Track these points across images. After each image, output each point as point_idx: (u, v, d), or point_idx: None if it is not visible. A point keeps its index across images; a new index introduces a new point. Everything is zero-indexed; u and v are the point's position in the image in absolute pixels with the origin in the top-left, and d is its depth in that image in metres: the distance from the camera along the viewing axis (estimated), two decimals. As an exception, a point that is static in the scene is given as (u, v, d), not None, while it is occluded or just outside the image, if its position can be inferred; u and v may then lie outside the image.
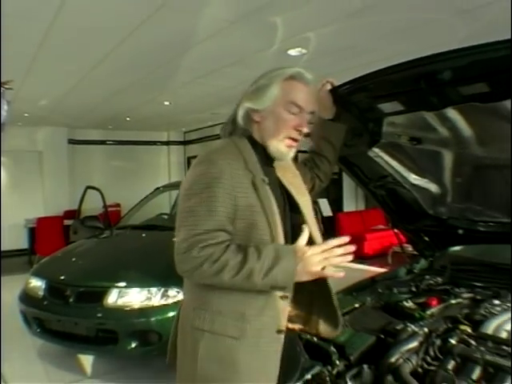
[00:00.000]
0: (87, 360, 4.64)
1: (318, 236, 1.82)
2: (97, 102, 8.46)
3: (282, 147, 1.76)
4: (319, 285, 1.81)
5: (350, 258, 1.62)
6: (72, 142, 12.26)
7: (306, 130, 1.76)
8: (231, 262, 1.56)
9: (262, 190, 1.68)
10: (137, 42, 4.88)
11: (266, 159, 1.80)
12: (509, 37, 1.58)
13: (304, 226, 1.68)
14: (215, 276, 1.58)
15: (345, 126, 2.21)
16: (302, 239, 1.64)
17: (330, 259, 1.60)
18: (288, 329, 1.90)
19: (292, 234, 1.77)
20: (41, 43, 4.81)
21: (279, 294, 1.68)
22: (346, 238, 1.61)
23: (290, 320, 1.91)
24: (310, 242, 1.72)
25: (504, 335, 1.96)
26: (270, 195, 1.70)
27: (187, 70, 6.12)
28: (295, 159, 2.09)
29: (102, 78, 6.43)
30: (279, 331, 1.70)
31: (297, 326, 1.98)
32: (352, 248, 1.61)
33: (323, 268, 1.63)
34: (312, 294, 1.87)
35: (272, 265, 1.56)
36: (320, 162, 2.21)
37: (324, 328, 1.95)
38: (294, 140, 1.77)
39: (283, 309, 1.71)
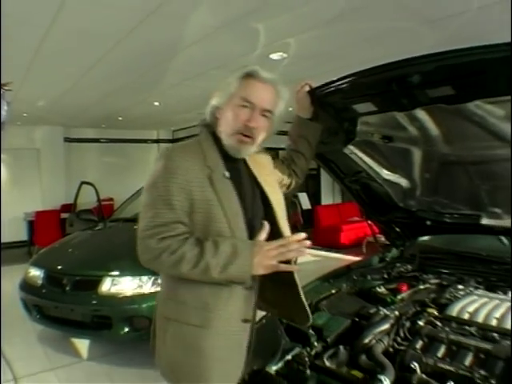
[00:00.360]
0: (84, 344, 4.63)
1: (287, 233, 1.79)
2: (91, 103, 8.37)
3: (233, 142, 1.70)
4: (287, 279, 1.79)
5: (306, 252, 1.63)
6: (68, 140, 12.14)
7: (254, 125, 1.68)
8: (188, 254, 1.55)
9: (220, 184, 1.65)
10: (129, 47, 4.84)
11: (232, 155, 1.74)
12: (469, 45, 1.59)
13: (265, 222, 1.66)
14: (174, 267, 1.57)
15: (321, 126, 2.20)
16: (262, 235, 1.63)
17: (285, 254, 1.60)
18: (267, 314, 1.92)
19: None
20: (38, 47, 4.75)
21: (243, 284, 1.65)
22: (303, 234, 1.61)
23: (270, 305, 1.93)
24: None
25: (466, 316, 1.99)
26: (230, 189, 1.67)
27: (175, 73, 6.09)
28: (276, 156, 2.07)
29: (96, 80, 6.36)
30: (245, 320, 1.68)
31: (275, 313, 1.99)
32: (308, 243, 1.61)
33: (290, 261, 1.65)
34: (286, 286, 1.83)
35: (228, 261, 1.54)
36: (297, 158, 2.17)
37: (296, 318, 1.93)
38: (246, 136, 1.70)
39: (249, 299, 1.69)
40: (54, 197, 11.19)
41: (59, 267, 4.62)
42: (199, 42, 4.73)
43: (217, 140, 1.74)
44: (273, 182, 1.90)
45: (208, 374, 1.64)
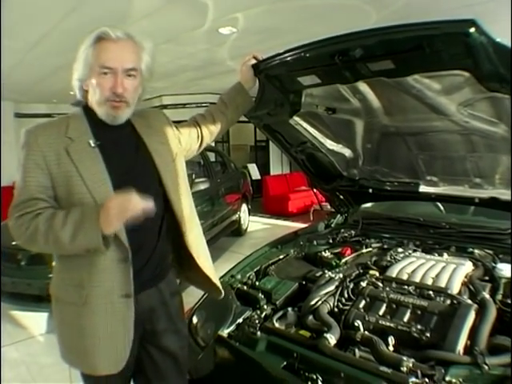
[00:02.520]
0: (43, 317, 4.48)
1: (179, 202, 1.68)
2: (40, 78, 8.02)
3: (106, 111, 1.55)
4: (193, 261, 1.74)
5: (151, 213, 1.43)
6: (18, 115, 11.60)
7: (121, 91, 1.51)
8: (41, 227, 1.44)
9: (80, 154, 1.50)
10: (77, 20, 4.64)
11: (109, 125, 1.58)
12: (409, 22, 1.60)
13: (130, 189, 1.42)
14: (33, 242, 1.48)
15: (253, 102, 2.13)
16: (116, 195, 1.44)
17: (127, 212, 1.39)
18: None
19: (163, 201, 1.65)
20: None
21: (117, 257, 1.52)
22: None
23: (189, 279, 1.88)
24: (173, 214, 1.66)
25: (405, 277, 2.05)
26: (93, 158, 1.52)
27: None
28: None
29: (45, 54, 6.12)
30: (126, 295, 1.54)
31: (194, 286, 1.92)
32: (151, 204, 1.42)
33: None
34: (196, 270, 1.77)
35: (76, 228, 1.42)
36: (219, 119, 2.02)
37: (210, 292, 1.90)
38: (116, 101, 1.53)
39: (126, 272, 1.54)
40: (7, 173, 10.69)
41: (14, 243, 4.43)
42: (149, 15, 4.60)
43: (89, 111, 1.59)
44: (166, 149, 1.73)
45: (92, 351, 1.54)
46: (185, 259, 1.76)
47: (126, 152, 1.63)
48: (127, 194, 1.39)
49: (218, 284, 1.84)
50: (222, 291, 1.86)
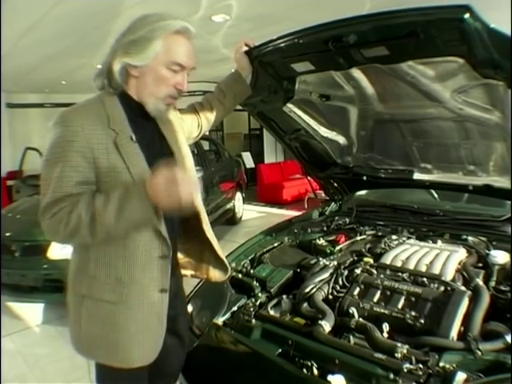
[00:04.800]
0: (38, 308, 4.51)
1: (197, 200, 1.66)
2: (31, 67, 7.95)
3: (161, 105, 1.52)
4: (203, 236, 1.73)
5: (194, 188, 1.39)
6: (10, 105, 11.52)
7: (185, 88, 1.52)
8: (84, 217, 1.34)
9: (127, 148, 1.44)
10: (68, 8, 4.58)
11: (141, 115, 1.54)
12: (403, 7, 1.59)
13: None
14: (74, 236, 1.39)
15: (251, 90, 2.10)
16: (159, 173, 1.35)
17: (173, 192, 1.32)
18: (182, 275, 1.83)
19: None
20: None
21: (158, 254, 1.51)
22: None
23: (183, 267, 1.83)
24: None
25: (399, 264, 2.06)
26: (137, 152, 1.46)
27: (118, 35, 5.83)
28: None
29: (35, 43, 6.02)
30: (162, 290, 1.53)
31: (189, 273, 1.87)
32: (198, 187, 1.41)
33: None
34: (202, 244, 1.76)
35: (123, 203, 1.34)
36: (217, 108, 1.99)
37: (213, 274, 1.83)
38: (174, 98, 1.54)
39: (164, 268, 1.53)
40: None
41: (7, 234, 4.43)
42: (142, 2, 4.53)
43: (123, 98, 1.52)
44: (181, 139, 1.72)
45: (127, 345, 1.51)
46: (200, 246, 1.77)
47: (154, 143, 1.59)
48: (172, 171, 1.33)
49: (227, 263, 1.83)
50: (229, 268, 1.85)
